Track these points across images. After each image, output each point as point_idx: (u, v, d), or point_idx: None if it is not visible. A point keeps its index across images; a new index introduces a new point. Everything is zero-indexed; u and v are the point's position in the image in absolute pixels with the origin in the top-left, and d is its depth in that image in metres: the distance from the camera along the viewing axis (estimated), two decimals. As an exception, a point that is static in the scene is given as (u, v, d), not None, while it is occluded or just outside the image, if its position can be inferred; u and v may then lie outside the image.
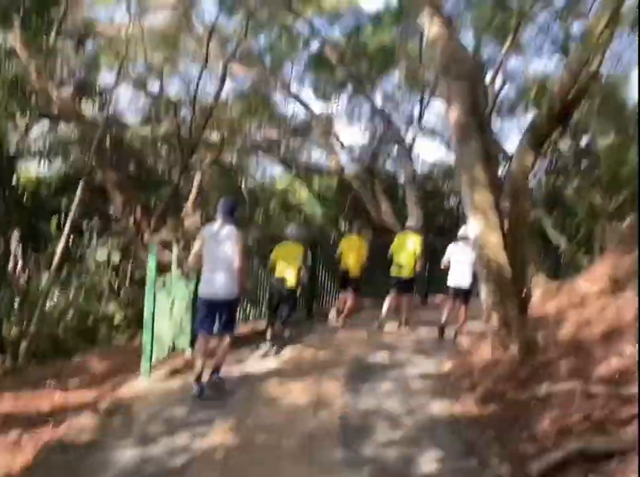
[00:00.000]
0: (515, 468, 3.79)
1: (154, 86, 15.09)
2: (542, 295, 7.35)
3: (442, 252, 8.62)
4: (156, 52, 12.28)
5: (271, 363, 6.66)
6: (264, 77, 15.27)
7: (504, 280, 6.14)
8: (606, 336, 4.95)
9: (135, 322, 10.02)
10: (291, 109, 19.06)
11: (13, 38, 10.99)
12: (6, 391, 5.50)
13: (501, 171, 10.99)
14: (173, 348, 6.48)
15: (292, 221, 14.86)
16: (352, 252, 8.94)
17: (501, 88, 15.91)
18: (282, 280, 7.50)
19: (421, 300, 11.66)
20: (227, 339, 5.53)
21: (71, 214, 10.21)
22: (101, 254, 12.32)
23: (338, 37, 16.04)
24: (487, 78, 13.66)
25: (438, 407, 5.16)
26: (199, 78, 12.06)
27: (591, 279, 6.36)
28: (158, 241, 10.20)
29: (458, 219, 16.24)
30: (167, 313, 6.23)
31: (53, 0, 11.00)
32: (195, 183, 13.01)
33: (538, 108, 9.23)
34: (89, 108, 13.79)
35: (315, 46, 16.12)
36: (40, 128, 14.76)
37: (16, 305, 10.49)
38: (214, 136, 14.97)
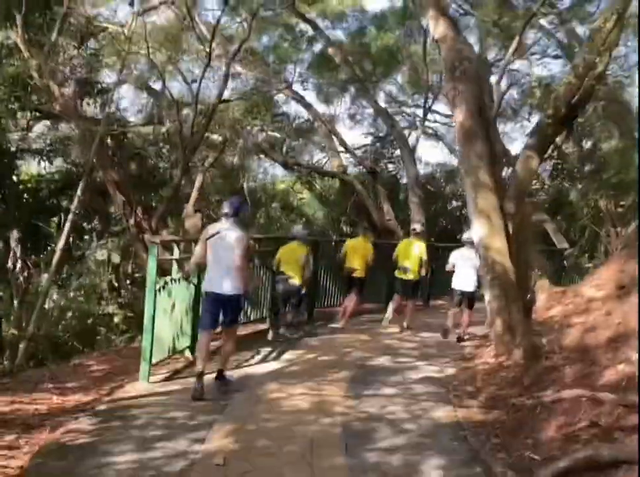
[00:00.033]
0: (520, 476, 3.71)
1: (156, 85, 15.05)
2: (546, 299, 7.27)
3: (445, 255, 8.60)
4: (158, 51, 12.22)
5: (272, 366, 6.60)
6: (267, 78, 15.22)
7: (508, 284, 6.08)
8: (612, 341, 4.86)
9: (135, 323, 9.97)
10: (294, 110, 19.06)
11: (15, 36, 10.98)
12: (3, 393, 5.42)
13: (505, 174, 10.94)
14: (173, 350, 6.43)
15: (295, 222, 14.84)
16: (357, 253, 9.01)
17: (506, 91, 15.88)
18: (287, 279, 7.68)
19: (423, 303, 11.65)
20: (232, 335, 5.57)
21: (71, 214, 10.15)
22: (101, 255, 12.27)
23: (341, 38, 16.04)
24: (493, 79, 13.59)
25: (442, 413, 5.10)
26: (202, 77, 12.01)
27: (597, 284, 6.27)
28: (159, 242, 10.12)
29: (461, 222, 16.20)
30: (167, 315, 6.17)
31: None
32: (197, 183, 12.95)
33: (543, 111, 9.18)
34: (90, 107, 13.75)
35: (318, 46, 16.12)
36: (41, 126, 14.76)
37: (15, 305, 10.43)
38: (216, 136, 14.91)
